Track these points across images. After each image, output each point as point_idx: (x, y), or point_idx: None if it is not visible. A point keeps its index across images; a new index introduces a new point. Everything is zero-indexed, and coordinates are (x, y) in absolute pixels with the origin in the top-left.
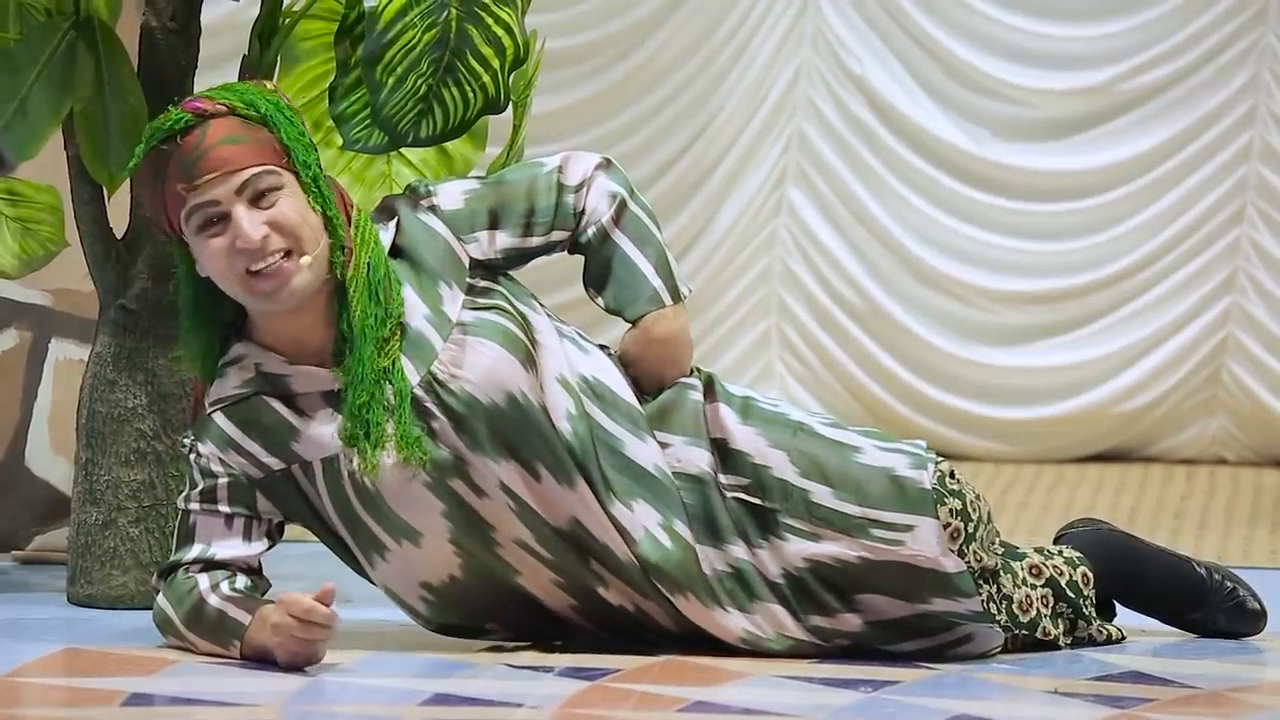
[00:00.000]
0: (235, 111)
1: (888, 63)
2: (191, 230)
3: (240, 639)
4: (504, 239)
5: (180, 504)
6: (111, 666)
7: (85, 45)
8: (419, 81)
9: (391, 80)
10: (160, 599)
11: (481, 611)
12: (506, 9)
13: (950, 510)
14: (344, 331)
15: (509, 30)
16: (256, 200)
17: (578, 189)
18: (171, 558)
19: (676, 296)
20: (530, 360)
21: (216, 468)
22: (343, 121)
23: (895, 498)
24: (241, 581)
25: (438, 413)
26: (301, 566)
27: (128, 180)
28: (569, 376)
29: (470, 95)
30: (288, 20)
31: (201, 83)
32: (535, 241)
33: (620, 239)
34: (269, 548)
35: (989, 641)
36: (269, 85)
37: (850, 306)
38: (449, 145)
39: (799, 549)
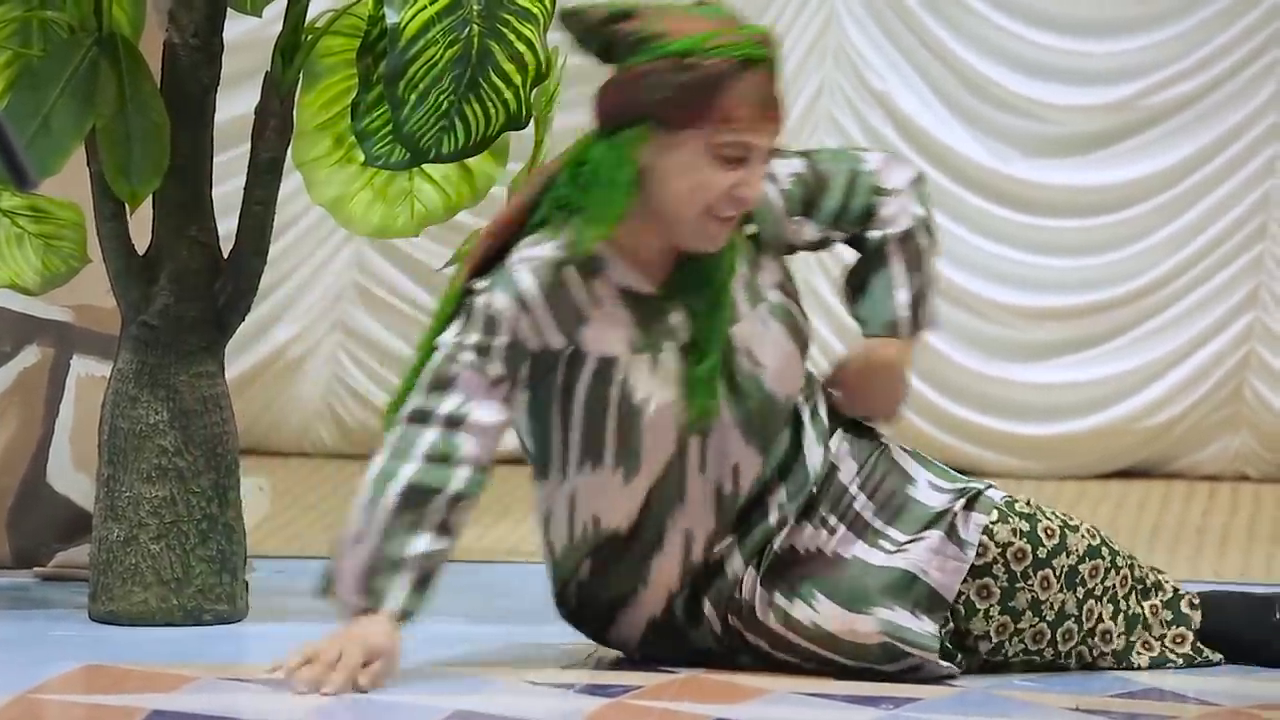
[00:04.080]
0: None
1: (910, 79)
2: (709, 149)
3: (379, 599)
4: (812, 231)
5: (445, 343)
6: (132, 684)
7: (108, 62)
8: (441, 98)
9: (414, 97)
10: (394, 442)
11: (594, 600)
12: (528, 25)
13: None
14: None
15: (531, 46)
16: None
17: (890, 194)
18: (421, 403)
19: (914, 333)
20: (805, 354)
21: (503, 325)
22: (365, 138)
23: (914, 522)
24: (464, 477)
25: (725, 379)
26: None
27: (151, 195)
28: None
29: (492, 111)
30: (310, 37)
31: (223, 100)
32: (838, 236)
33: (894, 258)
34: (505, 425)
35: (935, 673)
36: None
37: None
38: (470, 161)
39: (813, 535)
